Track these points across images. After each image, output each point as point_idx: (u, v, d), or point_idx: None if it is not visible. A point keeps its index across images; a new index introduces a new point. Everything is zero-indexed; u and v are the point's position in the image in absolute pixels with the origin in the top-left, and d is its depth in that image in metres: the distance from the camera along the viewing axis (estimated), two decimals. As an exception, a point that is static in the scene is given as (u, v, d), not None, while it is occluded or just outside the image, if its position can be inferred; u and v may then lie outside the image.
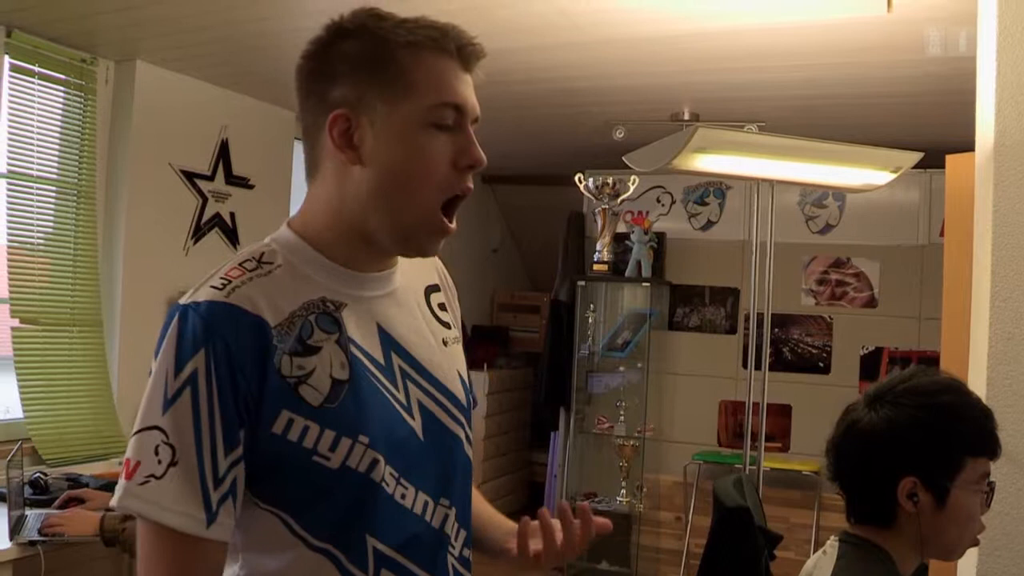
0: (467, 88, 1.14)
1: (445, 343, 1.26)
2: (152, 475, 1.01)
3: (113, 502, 1.04)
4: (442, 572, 1.19)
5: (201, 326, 1.03)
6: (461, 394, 1.24)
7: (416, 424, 1.17)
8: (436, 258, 1.35)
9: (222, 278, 1.09)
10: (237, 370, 1.03)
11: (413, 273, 1.28)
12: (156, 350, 1.06)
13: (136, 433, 1.04)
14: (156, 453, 1.01)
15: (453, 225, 1.15)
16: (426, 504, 1.16)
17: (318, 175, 1.16)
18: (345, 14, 1.15)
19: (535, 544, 1.26)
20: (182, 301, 1.07)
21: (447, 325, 1.30)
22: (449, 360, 1.25)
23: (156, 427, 1.02)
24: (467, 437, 1.25)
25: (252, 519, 1.09)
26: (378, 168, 1.11)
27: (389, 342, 1.18)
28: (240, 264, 1.12)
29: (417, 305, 1.25)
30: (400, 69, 1.10)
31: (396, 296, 1.22)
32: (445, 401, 1.21)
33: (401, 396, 1.16)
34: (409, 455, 1.14)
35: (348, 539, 1.09)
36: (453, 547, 1.21)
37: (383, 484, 1.10)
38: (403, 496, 1.13)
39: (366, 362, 1.13)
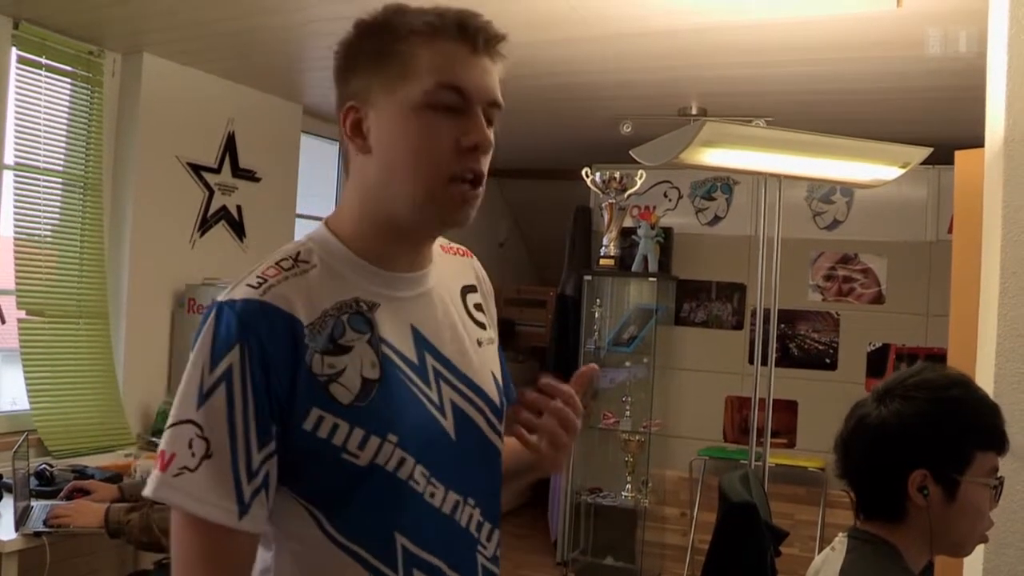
0: (473, 70, 1.13)
1: (480, 343, 1.26)
2: (186, 467, 1.03)
3: (147, 492, 1.06)
4: (471, 572, 1.18)
5: (236, 323, 1.06)
6: (495, 395, 1.23)
7: (448, 424, 1.16)
8: (475, 259, 1.36)
9: (259, 276, 1.11)
10: (270, 367, 1.05)
11: (449, 273, 1.28)
12: (192, 346, 1.08)
13: (170, 427, 1.06)
14: (190, 446, 1.03)
15: (476, 191, 1.14)
16: (456, 504, 1.16)
17: (348, 172, 1.19)
18: (373, 11, 1.16)
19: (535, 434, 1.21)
20: (220, 298, 1.10)
21: (482, 326, 1.29)
22: (483, 360, 1.24)
23: (190, 421, 1.04)
24: (501, 441, 1.24)
25: (288, 512, 1.10)
26: (382, 155, 1.13)
27: (422, 342, 1.17)
28: (277, 263, 1.13)
29: (452, 305, 1.25)
30: (399, 56, 1.11)
31: (430, 296, 1.21)
32: (480, 403, 1.21)
33: (434, 396, 1.16)
34: (440, 454, 1.14)
35: (377, 538, 1.10)
36: (484, 547, 1.20)
37: (412, 482, 1.11)
38: (432, 495, 1.13)
39: (399, 362, 1.14)
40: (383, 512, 1.10)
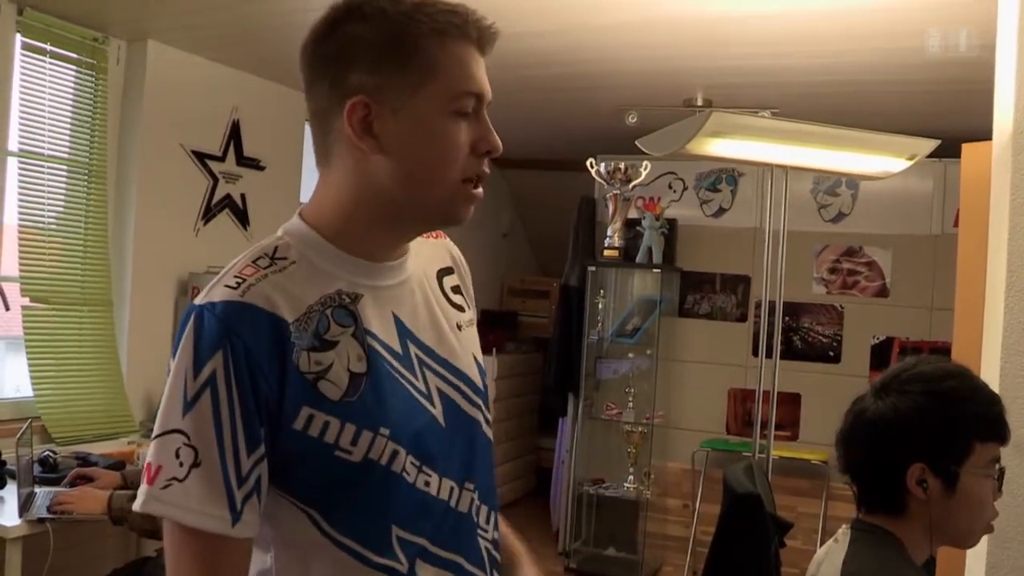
0: (484, 73, 1.13)
1: (459, 327, 1.26)
2: (174, 478, 1.01)
3: (136, 506, 1.03)
4: (476, 556, 1.19)
5: (218, 327, 1.03)
6: (477, 378, 1.25)
7: (437, 411, 1.16)
8: (447, 240, 1.35)
9: (236, 276, 1.08)
10: (256, 369, 1.02)
11: (425, 257, 1.26)
12: (173, 352, 1.05)
13: (156, 437, 1.03)
14: (177, 456, 1.01)
15: (480, 191, 1.15)
16: (452, 489, 1.15)
17: (331, 162, 1.14)
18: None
19: None
20: (197, 301, 1.06)
21: (460, 308, 1.29)
22: (464, 344, 1.25)
23: (177, 430, 1.02)
24: (485, 419, 1.25)
25: (283, 514, 1.08)
26: (400, 157, 1.10)
27: (405, 331, 1.17)
28: (254, 261, 1.11)
29: (431, 290, 1.24)
30: (425, 57, 1.08)
31: (409, 284, 1.20)
32: (463, 386, 1.21)
33: (420, 384, 1.15)
34: (431, 443, 1.14)
35: (374, 533, 1.09)
36: (484, 530, 1.21)
37: (404, 474, 1.10)
38: (427, 484, 1.12)
39: (384, 353, 1.12)
40: (379, 507, 1.09)
